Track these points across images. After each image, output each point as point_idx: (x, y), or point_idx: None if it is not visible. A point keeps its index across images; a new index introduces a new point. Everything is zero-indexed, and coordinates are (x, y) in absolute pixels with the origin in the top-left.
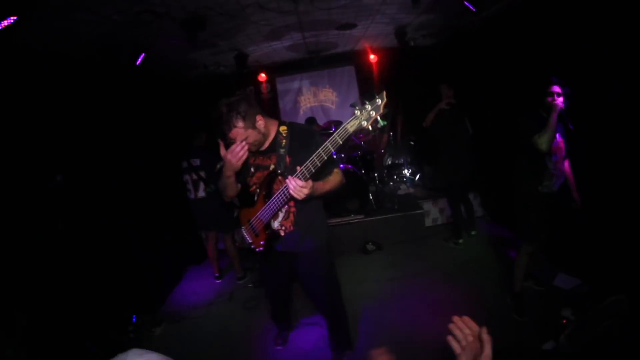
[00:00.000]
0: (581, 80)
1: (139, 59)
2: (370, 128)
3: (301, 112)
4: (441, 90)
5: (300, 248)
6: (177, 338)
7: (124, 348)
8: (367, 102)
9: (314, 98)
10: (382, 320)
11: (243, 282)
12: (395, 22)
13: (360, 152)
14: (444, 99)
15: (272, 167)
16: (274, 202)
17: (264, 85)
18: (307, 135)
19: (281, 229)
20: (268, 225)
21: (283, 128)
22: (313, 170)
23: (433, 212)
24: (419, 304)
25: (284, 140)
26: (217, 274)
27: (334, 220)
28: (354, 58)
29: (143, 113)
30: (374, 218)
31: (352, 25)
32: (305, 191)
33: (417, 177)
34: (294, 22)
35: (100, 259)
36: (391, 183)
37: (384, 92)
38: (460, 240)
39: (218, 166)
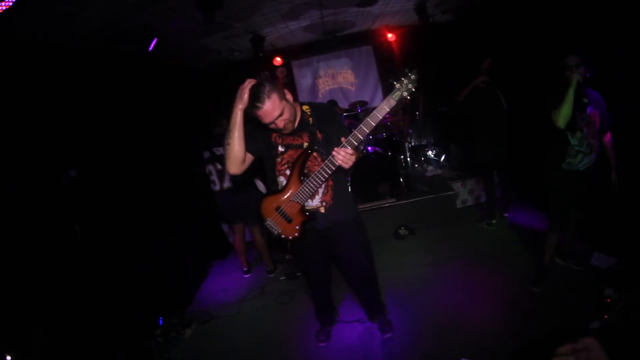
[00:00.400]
0: (610, 52)
1: (152, 45)
2: (408, 97)
3: (320, 95)
4: (482, 65)
5: (343, 219)
6: (209, 339)
7: (152, 353)
8: (404, 77)
9: (332, 80)
10: (424, 306)
11: (274, 276)
12: None
13: (385, 133)
14: (483, 75)
15: (305, 144)
16: (314, 179)
17: (280, 69)
18: (328, 111)
19: (321, 206)
20: (302, 209)
21: (306, 107)
22: (362, 138)
23: (462, 193)
24: (458, 287)
25: (311, 119)
26: (245, 268)
27: (364, 206)
28: (372, 38)
29: (157, 104)
30: (405, 201)
31: (372, 2)
32: (354, 159)
33: (443, 158)
34: None
35: (120, 260)
36: (416, 165)
37: (416, 69)
38: (494, 221)
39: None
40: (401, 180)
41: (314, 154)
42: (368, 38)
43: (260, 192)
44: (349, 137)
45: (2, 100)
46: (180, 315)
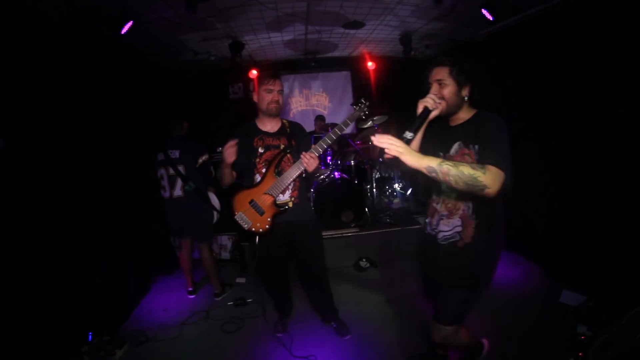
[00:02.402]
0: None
1: (125, 28)
2: (366, 123)
3: (291, 114)
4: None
5: (306, 218)
6: None
7: None
8: (361, 103)
9: (305, 101)
10: (382, 344)
11: (221, 300)
12: (403, 26)
13: (353, 160)
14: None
15: (282, 146)
16: (287, 176)
17: (255, 83)
18: (301, 128)
19: (290, 201)
20: (274, 202)
21: (285, 121)
22: (320, 151)
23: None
24: (423, 329)
25: (288, 129)
26: (190, 288)
27: (327, 233)
28: (351, 64)
29: (116, 95)
30: (369, 232)
31: (359, 24)
32: (315, 163)
33: (409, 191)
34: (302, 11)
35: (46, 258)
36: (382, 197)
37: (369, 102)
38: None
39: (200, 161)
40: (366, 210)
41: (288, 155)
42: (347, 63)
43: (212, 206)
44: (316, 145)
45: None
46: (112, 333)
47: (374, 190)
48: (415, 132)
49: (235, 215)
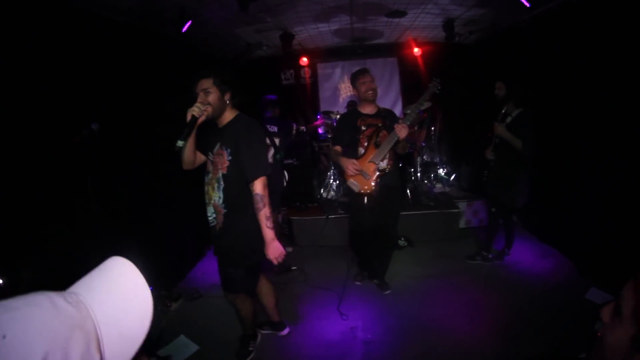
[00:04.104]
0: None
1: (185, 27)
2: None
3: (340, 100)
4: (496, 91)
5: (395, 185)
6: (193, 315)
7: None
8: (434, 78)
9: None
10: (412, 315)
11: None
12: (445, 14)
13: None
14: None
15: (379, 124)
16: (385, 145)
17: (306, 69)
18: (392, 113)
19: (387, 167)
20: (377, 167)
21: (380, 107)
22: (408, 123)
23: (467, 213)
24: (448, 303)
25: (383, 112)
26: None
27: None
28: (398, 50)
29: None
30: (409, 213)
31: (402, 13)
32: (406, 131)
33: (453, 177)
34: (345, 3)
35: (122, 221)
36: (425, 181)
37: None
38: (490, 256)
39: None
40: (408, 192)
41: (384, 131)
42: (394, 50)
43: (285, 176)
44: (403, 118)
45: (49, 54)
46: (169, 289)
47: (418, 174)
48: (185, 139)
49: (347, 181)
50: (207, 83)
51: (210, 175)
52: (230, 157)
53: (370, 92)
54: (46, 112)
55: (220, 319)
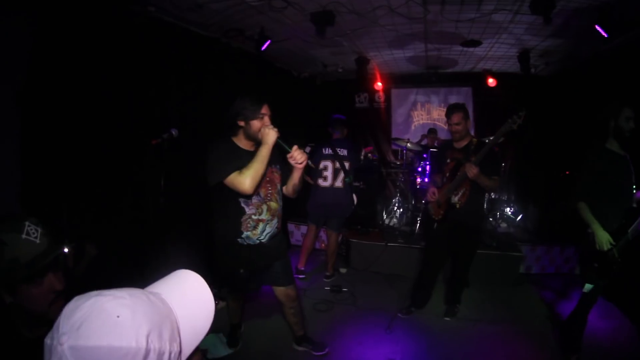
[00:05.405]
0: None
1: (265, 45)
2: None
3: (412, 127)
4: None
5: (469, 222)
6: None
7: None
8: (514, 114)
9: (427, 115)
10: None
11: (330, 281)
12: (520, 44)
13: None
14: None
15: (461, 159)
16: (457, 181)
17: (380, 94)
18: (489, 152)
19: (457, 202)
20: (449, 200)
21: (474, 140)
22: (479, 160)
23: (529, 259)
24: (494, 353)
25: (473, 146)
26: (302, 268)
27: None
28: (472, 80)
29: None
30: None
31: (476, 43)
32: (472, 172)
33: (519, 217)
34: (420, 31)
35: (183, 224)
36: (491, 219)
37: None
38: None
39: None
40: None
41: (466, 164)
42: (468, 79)
43: (354, 201)
44: (475, 157)
45: (142, 65)
46: (219, 288)
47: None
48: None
49: (427, 205)
50: (266, 109)
51: (270, 190)
52: (280, 171)
53: (454, 134)
54: (137, 116)
55: (262, 329)
